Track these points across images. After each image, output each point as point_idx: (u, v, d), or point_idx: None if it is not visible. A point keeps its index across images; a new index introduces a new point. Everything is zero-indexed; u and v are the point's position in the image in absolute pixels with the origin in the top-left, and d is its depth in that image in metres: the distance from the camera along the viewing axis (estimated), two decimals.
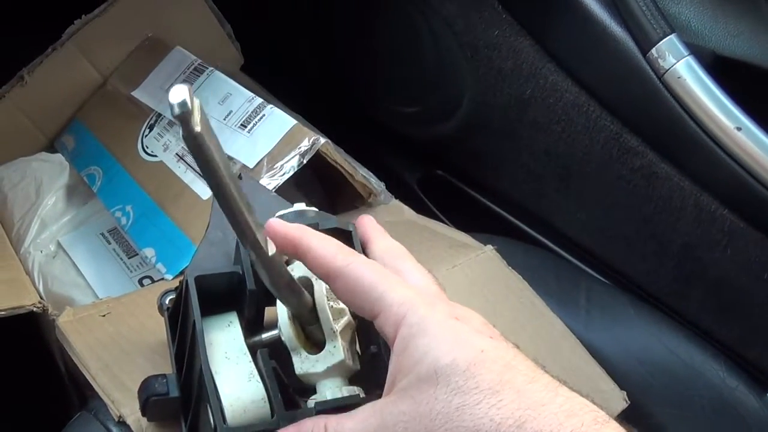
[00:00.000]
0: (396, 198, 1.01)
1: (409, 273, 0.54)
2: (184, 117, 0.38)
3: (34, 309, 0.81)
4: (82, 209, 1.04)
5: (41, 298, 0.84)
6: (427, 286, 0.53)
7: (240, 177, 0.66)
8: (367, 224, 0.59)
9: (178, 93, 0.38)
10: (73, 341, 0.74)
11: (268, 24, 1.41)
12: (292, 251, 0.52)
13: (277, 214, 0.58)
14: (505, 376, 0.45)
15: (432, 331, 0.47)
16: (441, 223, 1.00)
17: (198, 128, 0.39)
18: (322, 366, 0.53)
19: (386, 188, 1.00)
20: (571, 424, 0.43)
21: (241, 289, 0.57)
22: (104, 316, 0.79)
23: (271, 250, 0.48)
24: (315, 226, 0.56)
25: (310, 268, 0.52)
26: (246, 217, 0.45)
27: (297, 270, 0.55)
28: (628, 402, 0.82)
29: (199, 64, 1.05)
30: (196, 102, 0.39)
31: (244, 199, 0.45)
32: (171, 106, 0.38)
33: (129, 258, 0.99)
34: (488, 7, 1.03)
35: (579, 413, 0.44)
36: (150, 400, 0.60)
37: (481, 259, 0.88)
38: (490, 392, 0.44)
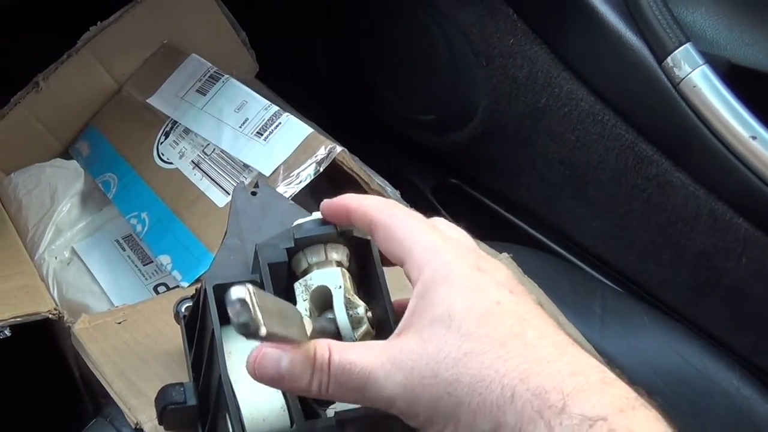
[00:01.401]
0: (411, 206, 1.01)
1: (444, 227, 0.55)
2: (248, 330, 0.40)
3: (50, 316, 0.81)
4: (96, 216, 1.05)
5: (56, 304, 0.84)
6: (461, 238, 0.54)
7: (257, 185, 0.66)
8: (339, 198, 0.59)
9: (237, 305, 0.40)
10: (89, 348, 0.74)
11: (283, 32, 1.41)
12: (342, 214, 0.54)
13: (295, 223, 0.58)
14: (515, 329, 0.45)
15: (452, 278, 0.47)
16: None
17: (263, 331, 0.40)
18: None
19: (401, 196, 1.00)
20: (575, 382, 0.43)
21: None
22: (120, 323, 0.79)
23: None
24: (334, 235, 0.56)
25: (356, 224, 0.54)
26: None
27: (315, 279, 0.55)
28: None
29: (214, 71, 1.05)
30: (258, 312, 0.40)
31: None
32: (231, 318, 0.40)
33: (144, 265, 0.99)
34: (503, 16, 1.03)
35: (585, 372, 0.44)
36: (167, 408, 0.60)
37: None
38: (498, 343, 0.45)
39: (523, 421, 0.43)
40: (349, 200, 0.54)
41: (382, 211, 0.52)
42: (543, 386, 0.43)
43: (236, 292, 0.40)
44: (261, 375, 0.47)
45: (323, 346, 0.47)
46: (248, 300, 0.39)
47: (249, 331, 0.40)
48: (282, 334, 0.43)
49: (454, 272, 0.48)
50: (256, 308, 0.40)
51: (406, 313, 0.49)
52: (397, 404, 0.46)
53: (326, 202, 0.55)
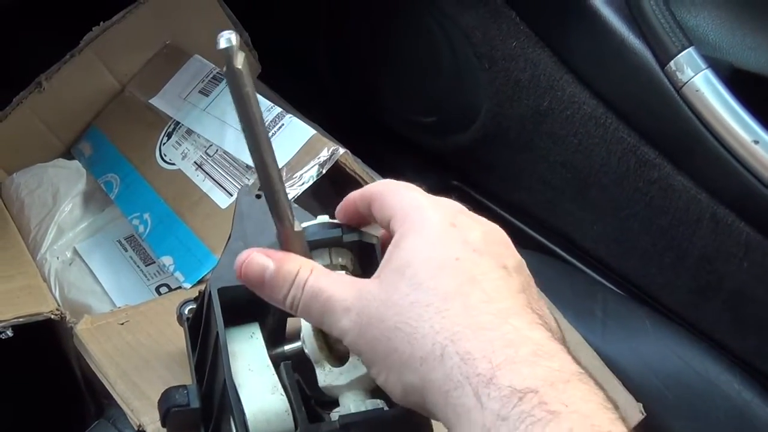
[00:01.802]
0: None
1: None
2: (228, 52, 0.43)
3: (52, 316, 0.81)
4: (98, 216, 1.05)
5: (58, 305, 0.84)
6: (449, 203, 0.53)
7: (260, 189, 0.66)
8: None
9: (226, 34, 0.43)
10: (92, 349, 0.74)
11: (286, 33, 1.41)
12: (354, 210, 0.56)
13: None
14: (464, 287, 0.45)
15: (424, 231, 0.48)
16: None
17: (239, 66, 0.44)
18: (345, 379, 0.52)
19: None
20: (506, 353, 0.42)
21: (264, 300, 0.57)
22: (122, 324, 0.79)
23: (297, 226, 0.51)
24: (339, 239, 0.56)
25: (362, 209, 0.55)
26: (275, 165, 0.50)
27: None
28: (644, 414, 0.82)
29: (217, 72, 1.05)
30: (241, 53, 0.44)
31: (271, 148, 0.50)
32: (217, 42, 0.43)
33: (146, 266, 0.99)
34: (506, 19, 1.03)
35: (519, 343, 0.43)
36: (171, 411, 0.60)
37: None
38: (442, 298, 0.45)
39: (451, 383, 0.43)
40: (353, 193, 0.56)
41: (378, 185, 0.54)
42: (472, 353, 0.42)
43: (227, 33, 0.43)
44: (245, 276, 0.52)
45: (307, 268, 0.50)
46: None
47: (228, 53, 0.44)
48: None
49: (427, 224, 0.48)
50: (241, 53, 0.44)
51: (383, 261, 0.49)
52: (347, 338, 0.48)
53: (339, 206, 0.57)
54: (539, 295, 0.52)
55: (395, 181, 0.54)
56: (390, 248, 0.49)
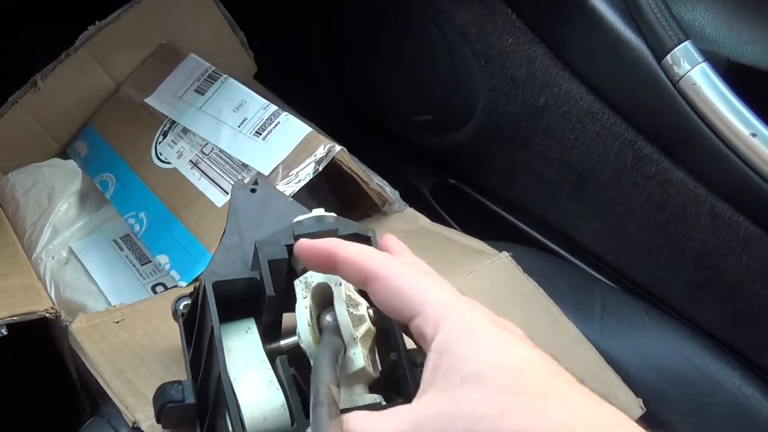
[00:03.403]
0: (410, 206, 1.01)
1: (440, 281, 0.52)
2: None
3: (47, 315, 0.81)
4: (94, 216, 1.04)
5: (53, 303, 0.83)
6: (468, 299, 0.50)
7: (257, 183, 0.66)
8: (390, 241, 0.58)
9: None
10: (87, 347, 0.74)
11: (282, 32, 1.41)
12: (327, 264, 0.52)
13: (295, 220, 0.58)
14: (550, 383, 0.44)
15: (476, 334, 0.45)
16: (456, 231, 1.00)
17: None
18: (342, 373, 0.52)
19: (400, 196, 1.00)
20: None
21: (259, 295, 0.57)
22: (118, 322, 0.79)
23: None
24: (334, 232, 0.56)
25: (346, 276, 0.52)
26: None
27: (315, 277, 0.55)
28: (645, 409, 0.81)
29: (213, 71, 1.05)
30: None
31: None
32: None
33: (142, 265, 0.98)
34: (501, 15, 1.03)
35: (627, 424, 0.43)
36: (165, 407, 0.59)
37: (497, 265, 0.88)
38: (536, 397, 0.43)
39: None
40: (336, 248, 0.52)
41: (378, 262, 0.50)
42: None
43: None
44: None
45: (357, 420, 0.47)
46: None
47: None
48: None
49: (475, 328, 0.46)
50: None
51: (426, 371, 0.46)
52: None
53: (305, 245, 0.53)
54: None
55: (387, 255, 0.52)
56: (437, 357, 0.46)
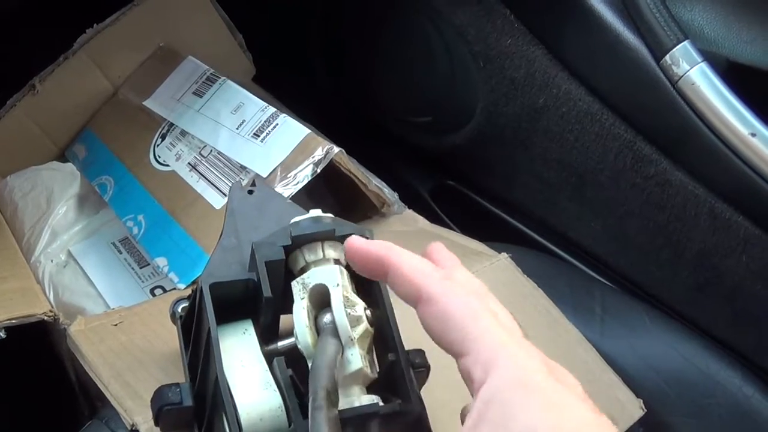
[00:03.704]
0: (409, 208, 1.01)
1: (496, 313, 0.48)
2: None
3: (45, 318, 0.80)
4: (92, 219, 1.04)
5: (52, 306, 0.83)
6: (515, 329, 0.47)
7: (254, 184, 0.66)
8: (439, 253, 0.54)
9: None
10: (85, 350, 0.74)
11: (280, 34, 1.41)
12: (377, 269, 0.50)
13: (292, 221, 0.57)
14: None
15: (531, 387, 0.42)
16: (454, 232, 1.00)
17: None
18: (339, 374, 0.52)
19: (399, 198, 1.00)
20: None
21: (257, 296, 0.56)
22: (116, 325, 0.78)
23: None
24: (331, 233, 0.56)
25: (396, 288, 0.49)
26: None
27: (313, 277, 0.55)
28: (645, 410, 0.81)
29: (211, 73, 1.05)
30: None
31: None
32: None
33: (140, 268, 0.98)
34: (500, 16, 1.03)
35: None
36: (163, 409, 0.59)
37: (496, 266, 0.88)
38: None
39: None
40: (390, 254, 0.49)
41: (435, 282, 0.47)
42: None
43: None
44: None
45: None
46: None
47: None
48: None
49: (532, 380, 0.42)
50: None
51: (471, 418, 0.43)
52: None
53: (358, 245, 0.51)
54: None
55: (446, 273, 0.49)
56: (484, 406, 0.42)
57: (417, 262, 0.49)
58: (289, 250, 0.56)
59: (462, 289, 0.47)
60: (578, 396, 0.43)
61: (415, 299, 0.47)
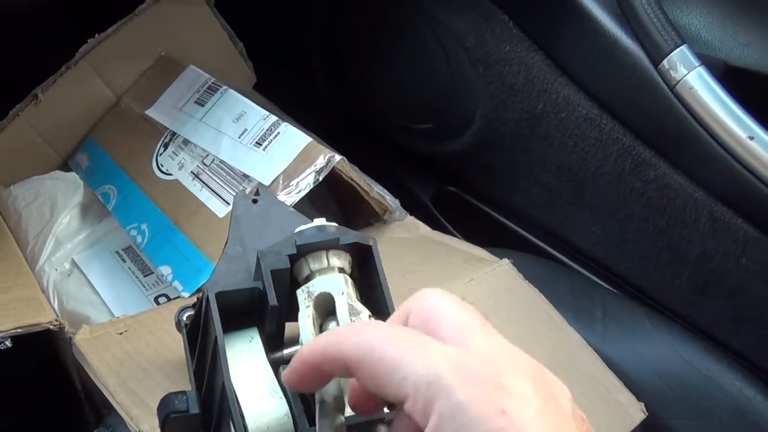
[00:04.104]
0: (410, 215, 1.01)
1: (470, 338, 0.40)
2: None
3: (51, 327, 0.81)
4: (96, 228, 1.05)
5: (57, 315, 0.84)
6: (470, 339, 0.40)
7: (258, 193, 0.66)
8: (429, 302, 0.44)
9: None
10: (91, 359, 0.74)
11: (281, 42, 1.42)
12: (314, 375, 0.43)
13: (296, 230, 0.58)
14: None
15: (470, 425, 0.35)
16: (456, 238, 1.00)
17: None
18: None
19: (401, 205, 1.00)
20: None
21: (262, 304, 0.57)
22: (121, 333, 0.79)
23: None
24: (335, 241, 0.56)
25: (334, 372, 0.42)
26: None
27: (318, 286, 0.55)
28: (646, 413, 0.82)
29: (213, 82, 1.05)
30: None
31: None
32: None
33: (144, 276, 0.99)
34: (499, 23, 1.03)
35: None
36: (170, 417, 0.59)
37: (497, 272, 0.88)
38: None
39: None
40: (308, 354, 0.42)
41: (349, 338, 0.40)
42: None
43: None
44: None
45: None
46: None
47: None
48: None
49: (467, 422, 0.35)
50: None
51: None
52: None
53: (287, 374, 0.44)
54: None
55: (376, 324, 0.43)
56: None
57: (331, 336, 0.42)
58: (294, 258, 0.56)
59: (383, 335, 0.40)
60: (522, 427, 0.36)
61: (350, 373, 0.41)
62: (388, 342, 0.39)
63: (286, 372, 0.45)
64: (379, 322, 0.43)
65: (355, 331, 0.40)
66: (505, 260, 0.90)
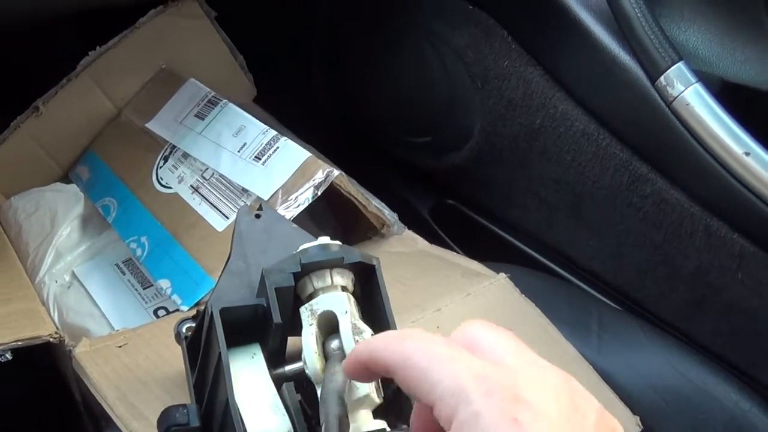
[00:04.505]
0: (408, 228, 1.01)
1: (481, 339, 0.45)
2: None
3: (51, 339, 0.81)
4: (96, 240, 1.05)
5: (57, 328, 0.84)
6: (500, 356, 0.44)
7: (260, 208, 0.67)
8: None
9: None
10: (90, 372, 0.75)
11: (281, 56, 1.42)
12: (365, 371, 0.47)
13: (300, 248, 0.58)
14: None
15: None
16: (454, 253, 1.00)
17: None
18: (348, 400, 0.53)
19: (398, 219, 1.01)
20: None
21: (265, 321, 0.57)
22: (121, 347, 0.79)
23: None
24: (339, 260, 0.56)
25: (380, 373, 0.46)
26: None
27: (321, 304, 0.56)
28: (642, 427, 0.82)
29: (213, 96, 1.05)
30: None
31: None
32: None
33: (144, 289, 0.99)
34: (498, 38, 1.04)
35: None
36: (170, 430, 0.60)
37: (494, 287, 0.88)
38: None
39: None
40: (360, 352, 0.46)
41: (391, 345, 0.44)
42: None
43: None
44: None
45: None
46: None
47: None
48: None
49: (482, 427, 0.39)
50: None
51: None
52: None
53: (346, 364, 0.48)
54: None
55: (411, 334, 0.44)
56: None
57: (378, 340, 0.46)
58: (298, 276, 0.57)
59: (419, 340, 0.44)
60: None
61: (390, 374, 0.44)
62: (423, 353, 0.42)
63: (344, 363, 0.49)
64: (422, 332, 0.45)
65: (397, 339, 0.44)
66: (502, 275, 0.90)
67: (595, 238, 1.05)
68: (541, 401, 0.40)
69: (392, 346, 0.44)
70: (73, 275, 1.01)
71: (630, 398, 0.85)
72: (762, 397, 0.91)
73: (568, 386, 0.42)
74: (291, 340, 0.60)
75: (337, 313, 0.55)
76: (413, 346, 0.43)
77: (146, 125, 1.09)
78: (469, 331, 0.46)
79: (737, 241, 0.91)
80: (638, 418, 0.82)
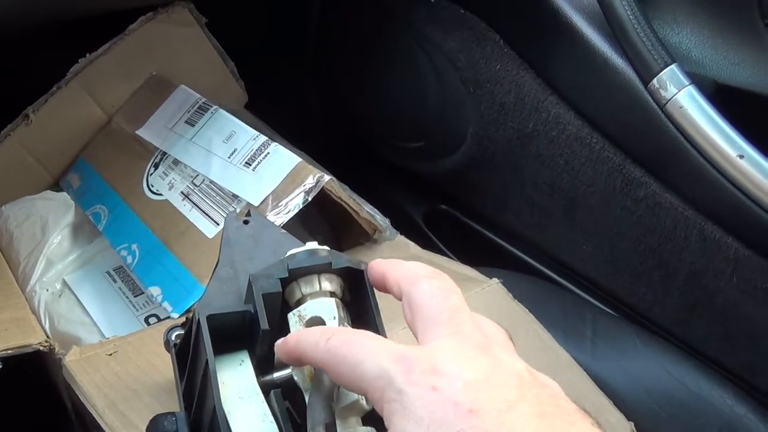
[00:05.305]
0: (401, 233, 1.01)
1: (420, 297, 0.50)
2: None
3: (41, 348, 0.81)
4: (87, 248, 1.04)
5: (47, 336, 0.83)
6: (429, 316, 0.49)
7: (249, 214, 0.66)
8: (378, 263, 0.55)
9: None
10: (80, 380, 0.74)
11: (272, 62, 1.42)
12: (296, 362, 0.52)
13: (288, 253, 0.58)
14: None
15: (408, 410, 0.42)
16: (446, 258, 1.00)
17: None
18: (336, 406, 0.52)
19: (391, 224, 1.00)
20: None
21: (253, 327, 0.57)
22: (111, 355, 0.79)
23: None
24: (327, 265, 0.56)
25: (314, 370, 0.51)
26: None
27: (309, 310, 0.55)
28: None
29: (203, 102, 1.05)
30: None
31: None
32: None
33: (135, 296, 0.98)
34: (490, 42, 1.04)
35: None
36: None
37: (487, 292, 0.88)
38: None
39: None
40: (291, 350, 0.51)
41: (319, 345, 0.48)
42: None
43: None
44: None
45: None
46: None
47: None
48: None
49: (408, 401, 0.43)
50: None
51: None
52: None
53: (278, 353, 0.53)
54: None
55: (331, 332, 0.49)
56: None
57: (303, 338, 0.50)
58: (285, 282, 0.56)
59: (342, 340, 0.47)
60: (452, 399, 0.42)
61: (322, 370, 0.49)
62: (348, 348, 0.46)
63: (277, 351, 0.53)
64: (342, 329, 0.51)
65: (323, 339, 0.48)
66: (495, 280, 0.90)
67: (588, 242, 1.05)
68: (455, 369, 0.44)
69: (320, 346, 0.48)
70: (64, 283, 1.01)
71: (624, 404, 0.84)
72: (757, 401, 0.90)
73: (485, 350, 0.46)
74: None
75: (325, 319, 0.54)
76: (338, 343, 0.47)
77: (137, 132, 1.08)
78: (407, 279, 0.52)
79: (731, 245, 0.91)
80: (633, 423, 0.82)
